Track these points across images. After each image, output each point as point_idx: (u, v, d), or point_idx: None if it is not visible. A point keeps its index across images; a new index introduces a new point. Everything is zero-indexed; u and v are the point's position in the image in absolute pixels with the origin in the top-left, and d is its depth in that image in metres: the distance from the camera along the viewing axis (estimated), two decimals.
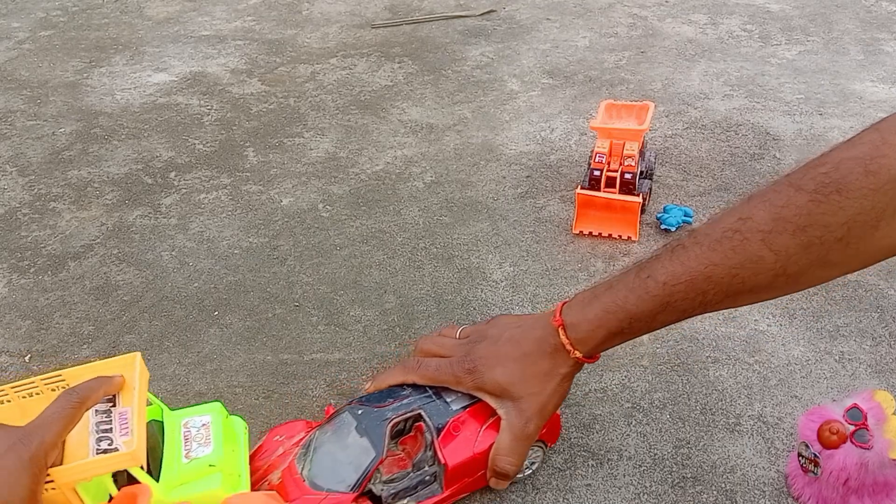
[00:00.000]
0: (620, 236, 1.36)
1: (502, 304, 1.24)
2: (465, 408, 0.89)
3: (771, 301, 1.15)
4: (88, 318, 1.26)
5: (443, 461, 0.84)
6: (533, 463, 0.96)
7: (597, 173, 1.34)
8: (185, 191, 1.55)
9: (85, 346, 1.21)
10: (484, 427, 0.87)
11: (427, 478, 0.85)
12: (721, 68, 1.90)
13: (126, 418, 0.72)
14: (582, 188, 1.36)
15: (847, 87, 1.80)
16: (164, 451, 0.77)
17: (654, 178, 1.48)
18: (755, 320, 1.19)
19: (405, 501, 0.86)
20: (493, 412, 0.87)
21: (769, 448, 1.00)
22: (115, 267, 1.36)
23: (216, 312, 1.25)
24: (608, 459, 0.99)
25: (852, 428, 0.87)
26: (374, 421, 0.86)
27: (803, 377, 1.10)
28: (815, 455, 0.89)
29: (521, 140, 1.66)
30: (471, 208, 1.47)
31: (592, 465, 0.99)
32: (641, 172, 1.40)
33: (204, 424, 0.84)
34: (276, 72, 1.98)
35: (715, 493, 0.95)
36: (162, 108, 1.84)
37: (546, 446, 0.96)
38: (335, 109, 1.81)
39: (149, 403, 0.82)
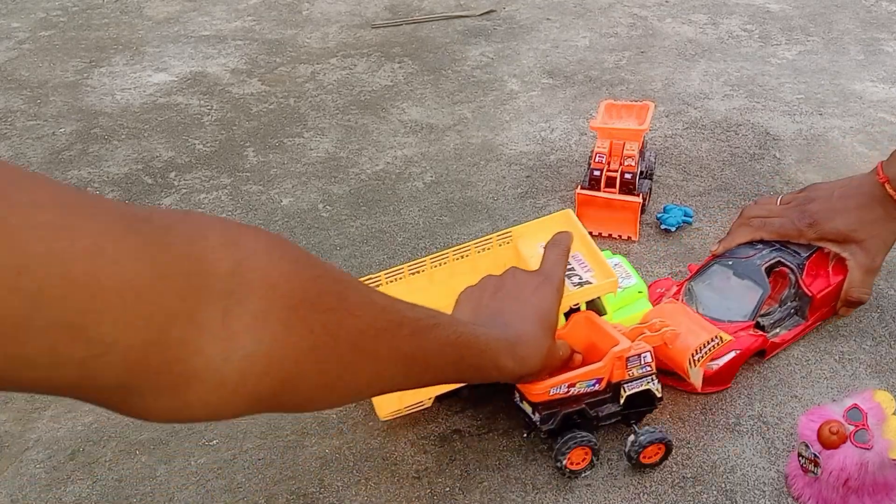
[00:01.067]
0: (620, 236, 1.36)
1: None
2: (807, 257, 1.08)
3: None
4: None
5: (808, 293, 1.05)
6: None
7: (597, 173, 1.34)
8: (185, 191, 1.55)
9: None
10: (830, 266, 1.07)
11: (791, 311, 1.07)
12: (721, 68, 1.90)
13: (580, 260, 0.96)
14: (582, 188, 1.36)
15: (847, 87, 1.80)
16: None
17: (654, 178, 1.48)
18: None
19: (777, 331, 1.08)
20: (828, 259, 1.08)
21: (769, 448, 1.00)
22: None
23: None
24: (608, 459, 0.99)
25: (852, 428, 0.87)
26: (749, 267, 1.07)
27: (803, 377, 1.09)
28: (816, 455, 0.89)
29: (521, 140, 1.66)
30: (471, 208, 1.47)
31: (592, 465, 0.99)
32: (641, 172, 1.40)
33: (617, 264, 1.10)
34: (276, 72, 1.98)
35: (715, 493, 0.95)
36: (162, 108, 1.84)
37: None
38: (335, 109, 1.81)
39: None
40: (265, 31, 2.19)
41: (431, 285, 1.09)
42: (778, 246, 1.09)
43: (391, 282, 1.10)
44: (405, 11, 2.27)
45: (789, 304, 1.07)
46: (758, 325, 1.08)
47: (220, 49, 2.10)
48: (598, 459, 0.97)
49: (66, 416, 1.08)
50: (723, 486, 0.96)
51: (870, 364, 1.11)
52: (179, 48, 2.11)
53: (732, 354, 1.04)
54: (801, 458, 0.92)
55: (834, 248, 1.06)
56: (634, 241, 1.36)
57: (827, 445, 0.88)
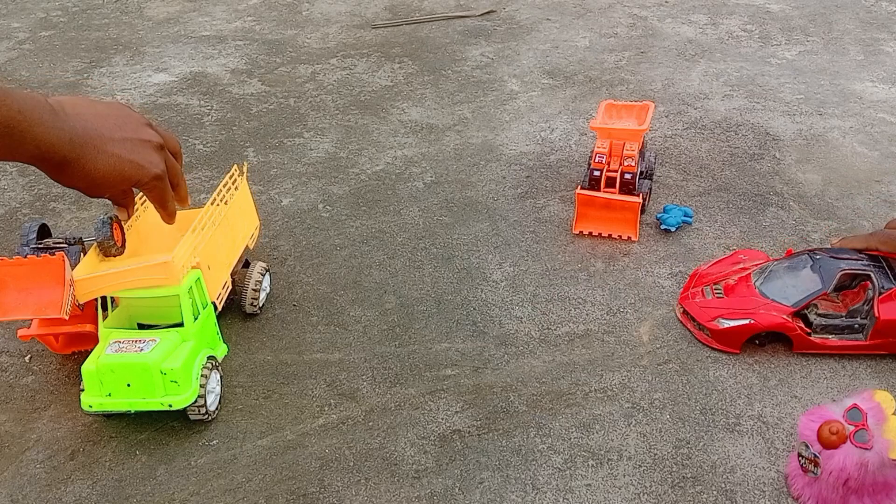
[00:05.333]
0: (620, 236, 1.36)
1: (502, 303, 1.24)
2: None
3: None
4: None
5: (876, 315, 1.04)
6: None
7: (597, 173, 1.34)
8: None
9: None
10: None
11: (856, 325, 1.07)
12: (721, 68, 1.90)
13: None
14: (582, 188, 1.36)
15: (847, 87, 1.80)
16: None
17: (654, 178, 1.48)
18: None
19: (831, 336, 1.08)
20: None
21: (769, 448, 1.00)
22: None
23: (217, 312, 1.25)
24: (608, 459, 0.99)
25: (852, 428, 0.87)
26: (829, 264, 1.08)
27: (803, 377, 1.09)
28: (815, 455, 0.89)
29: (521, 140, 1.66)
30: (471, 208, 1.47)
31: (592, 465, 0.99)
32: (641, 172, 1.40)
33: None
34: (276, 72, 1.98)
35: (715, 493, 0.95)
36: (162, 108, 1.84)
37: None
38: (335, 109, 1.81)
39: None
40: (265, 32, 2.19)
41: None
42: (882, 264, 1.08)
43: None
44: (405, 12, 2.27)
45: (858, 318, 1.07)
46: (804, 318, 1.10)
47: (220, 49, 2.10)
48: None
49: (66, 417, 1.08)
50: (723, 486, 0.96)
51: (870, 364, 1.11)
52: (179, 48, 2.11)
53: (746, 322, 1.09)
54: (800, 458, 0.91)
55: None
56: (634, 242, 1.36)
57: (827, 445, 0.88)
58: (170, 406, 1.00)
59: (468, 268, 1.31)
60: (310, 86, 1.90)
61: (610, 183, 1.33)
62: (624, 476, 0.97)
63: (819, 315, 1.10)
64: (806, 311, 1.10)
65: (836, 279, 1.08)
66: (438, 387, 1.11)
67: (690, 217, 1.38)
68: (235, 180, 1.23)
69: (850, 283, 1.12)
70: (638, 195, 1.33)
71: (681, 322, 1.17)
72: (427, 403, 1.09)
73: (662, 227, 1.36)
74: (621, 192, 1.33)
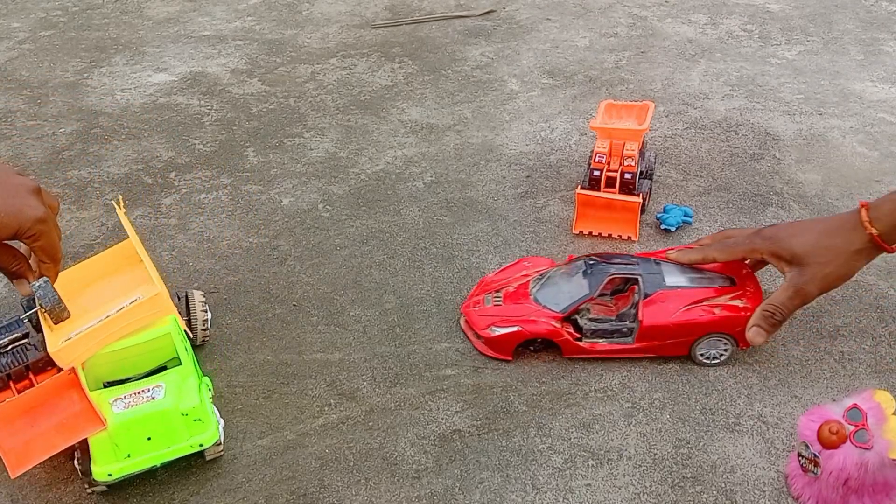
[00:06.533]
0: (620, 236, 1.36)
1: None
2: (685, 287, 1.06)
3: None
4: None
5: (640, 318, 1.04)
6: (722, 354, 1.09)
7: (597, 173, 1.34)
8: (185, 191, 1.55)
9: None
10: (693, 306, 1.05)
11: (624, 329, 1.07)
12: (721, 68, 1.90)
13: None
14: (582, 188, 1.36)
15: (847, 86, 1.80)
16: None
17: (654, 177, 1.48)
18: None
19: (601, 341, 1.08)
20: (728, 297, 1.05)
21: (769, 448, 1.00)
22: None
23: (217, 312, 1.25)
24: (608, 459, 1.00)
25: (852, 428, 0.87)
26: (599, 269, 1.09)
27: (803, 377, 1.10)
28: (815, 455, 0.89)
29: (521, 140, 1.66)
30: (471, 208, 1.47)
31: (592, 465, 0.99)
32: (641, 172, 1.40)
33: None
34: (276, 72, 1.98)
35: (715, 493, 0.95)
36: (162, 108, 1.84)
37: (737, 345, 1.09)
38: (335, 109, 1.81)
39: None
40: (265, 31, 2.19)
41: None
42: (656, 269, 1.09)
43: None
44: (405, 11, 2.27)
45: (627, 322, 1.07)
46: (574, 324, 1.10)
47: (220, 49, 2.10)
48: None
49: None
50: (723, 486, 0.96)
51: (870, 364, 1.11)
52: (179, 48, 2.11)
53: (514, 329, 1.10)
54: (800, 458, 0.92)
55: (782, 267, 1.00)
56: (634, 241, 1.36)
57: (827, 445, 0.88)
58: (200, 446, 0.94)
59: (468, 268, 1.31)
60: (310, 85, 1.90)
61: (610, 183, 1.33)
62: (624, 476, 0.97)
63: (590, 320, 1.10)
64: (577, 316, 1.10)
65: (602, 284, 1.09)
66: (438, 387, 1.11)
67: (690, 217, 1.38)
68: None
69: (624, 287, 1.12)
70: (638, 195, 1.33)
71: (464, 333, 1.17)
72: (427, 403, 1.09)
73: (662, 226, 1.36)
74: (621, 192, 1.33)
